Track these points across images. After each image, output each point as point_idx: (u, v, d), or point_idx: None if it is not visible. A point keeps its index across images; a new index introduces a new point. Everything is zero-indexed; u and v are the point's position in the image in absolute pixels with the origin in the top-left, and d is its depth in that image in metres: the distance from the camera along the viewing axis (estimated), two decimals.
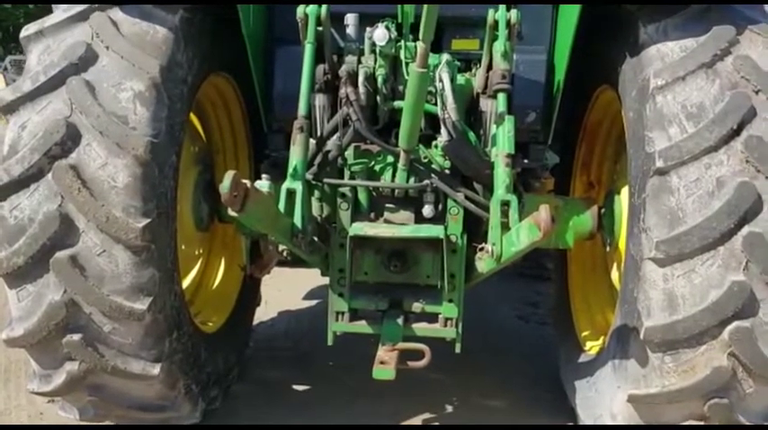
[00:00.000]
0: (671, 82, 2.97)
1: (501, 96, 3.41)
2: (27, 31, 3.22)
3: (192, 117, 3.94)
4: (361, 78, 3.43)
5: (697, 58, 2.96)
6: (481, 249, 3.27)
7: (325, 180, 3.48)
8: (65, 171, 2.93)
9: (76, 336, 3.04)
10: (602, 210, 3.86)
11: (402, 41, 3.48)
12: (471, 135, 3.50)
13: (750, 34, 3.01)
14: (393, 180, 3.49)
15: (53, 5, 3.30)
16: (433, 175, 3.44)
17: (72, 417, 3.42)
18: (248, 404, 4.09)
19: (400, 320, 3.45)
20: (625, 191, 3.52)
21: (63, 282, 2.98)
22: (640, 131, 3.08)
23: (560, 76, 3.68)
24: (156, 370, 3.16)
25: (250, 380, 4.36)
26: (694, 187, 2.86)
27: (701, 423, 3.01)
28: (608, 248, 3.92)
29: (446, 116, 3.36)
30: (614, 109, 3.79)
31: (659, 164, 2.91)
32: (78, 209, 2.95)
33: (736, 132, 2.85)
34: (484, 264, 3.29)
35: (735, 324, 2.82)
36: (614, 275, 4.01)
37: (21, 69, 3.27)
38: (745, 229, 2.80)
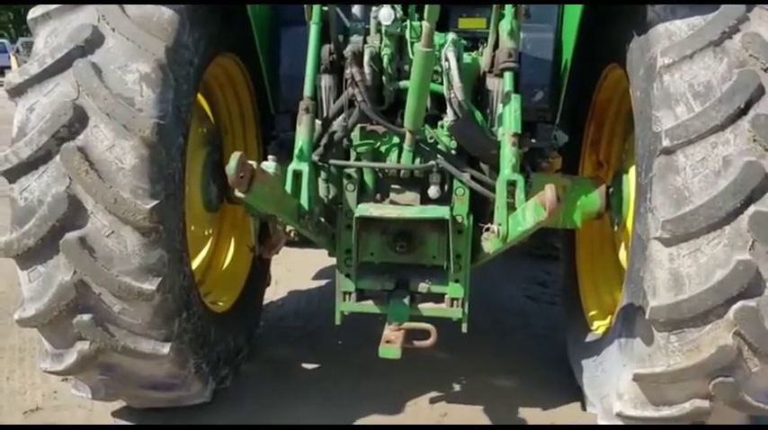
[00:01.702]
0: (678, 60, 2.93)
1: (508, 75, 3.39)
2: (34, 13, 3.22)
3: (200, 98, 3.96)
4: (366, 58, 3.41)
5: (705, 36, 2.92)
6: (487, 229, 3.27)
7: (331, 161, 3.48)
8: (72, 153, 2.95)
9: (86, 316, 3.08)
10: (611, 190, 3.84)
11: (408, 21, 3.46)
12: (478, 114, 3.48)
13: (759, 11, 2.96)
14: (399, 161, 3.48)
15: None
16: (438, 156, 3.44)
17: (85, 396, 3.48)
18: (258, 383, 4.13)
19: (406, 300, 3.46)
20: (633, 170, 3.50)
21: (73, 262, 3.01)
22: (647, 110, 3.06)
23: (568, 54, 3.65)
24: (165, 349, 3.20)
25: (260, 359, 4.40)
26: (701, 166, 2.83)
27: (707, 401, 3.02)
28: (616, 228, 3.91)
29: (452, 96, 3.34)
30: (623, 87, 3.75)
31: (666, 143, 2.89)
32: (86, 190, 2.97)
33: (743, 111, 2.81)
34: (490, 244, 3.30)
35: (740, 303, 2.81)
36: (622, 255, 4.00)
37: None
38: (752, 209, 2.78)
